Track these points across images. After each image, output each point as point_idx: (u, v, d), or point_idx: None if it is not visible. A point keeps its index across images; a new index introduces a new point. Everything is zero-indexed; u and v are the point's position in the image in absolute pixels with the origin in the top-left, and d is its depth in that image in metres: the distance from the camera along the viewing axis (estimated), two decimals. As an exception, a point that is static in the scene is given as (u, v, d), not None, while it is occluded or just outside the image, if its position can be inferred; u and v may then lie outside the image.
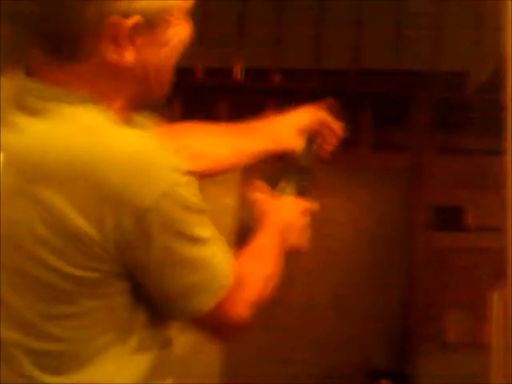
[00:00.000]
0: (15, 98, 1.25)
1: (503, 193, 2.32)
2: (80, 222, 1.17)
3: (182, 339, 1.35)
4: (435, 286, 4.39)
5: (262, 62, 4.36)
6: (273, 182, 1.56)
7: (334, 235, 4.56)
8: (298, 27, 4.37)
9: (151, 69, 1.28)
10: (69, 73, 1.24)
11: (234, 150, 1.68)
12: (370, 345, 4.55)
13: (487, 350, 2.82)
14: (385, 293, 4.56)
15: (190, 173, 1.23)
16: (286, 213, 1.54)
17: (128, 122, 1.29)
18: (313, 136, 1.71)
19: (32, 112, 1.23)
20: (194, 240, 1.25)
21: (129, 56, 1.24)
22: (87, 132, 1.20)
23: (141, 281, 1.25)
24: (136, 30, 1.22)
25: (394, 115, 4.55)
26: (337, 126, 1.74)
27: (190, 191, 1.23)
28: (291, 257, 1.50)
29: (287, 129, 1.71)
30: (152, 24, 1.24)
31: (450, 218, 4.49)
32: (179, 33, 1.29)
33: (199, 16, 1.33)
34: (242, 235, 1.48)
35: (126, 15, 1.21)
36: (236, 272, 1.32)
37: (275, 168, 1.62)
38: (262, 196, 1.55)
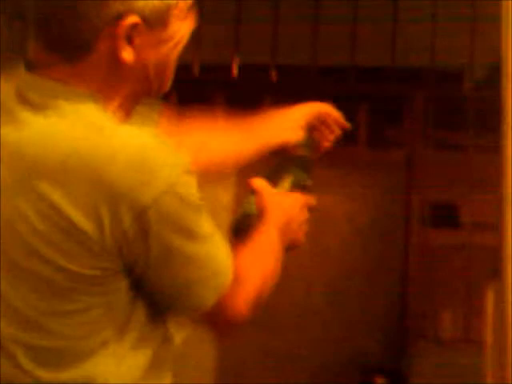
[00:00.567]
0: (16, 93, 1.25)
1: (500, 190, 2.32)
2: (78, 218, 1.17)
3: (177, 336, 1.34)
4: (430, 282, 4.39)
5: (259, 58, 4.36)
6: (272, 177, 1.55)
7: (329, 231, 4.57)
8: (295, 23, 4.37)
9: (151, 67, 1.28)
10: (69, 70, 1.24)
11: (235, 145, 1.68)
12: (364, 341, 4.55)
13: (482, 347, 2.83)
14: (380, 290, 4.56)
15: (191, 170, 1.23)
16: (287, 208, 1.54)
17: (129, 118, 1.29)
18: (312, 130, 1.71)
19: (32, 107, 1.23)
20: (195, 237, 1.25)
21: (128, 55, 1.24)
22: (87, 128, 1.20)
23: (141, 278, 1.25)
24: (134, 29, 1.23)
25: (390, 112, 4.56)
26: (340, 118, 1.74)
27: (189, 189, 1.23)
28: (289, 253, 1.50)
29: (286, 123, 1.71)
30: (151, 23, 1.24)
31: (445, 215, 4.50)
32: (180, 30, 1.29)
33: (196, 12, 1.33)
34: (234, 231, 1.48)
35: (125, 15, 1.21)
36: (236, 268, 1.32)
37: (274, 163, 1.61)
38: (261, 191, 1.55)
